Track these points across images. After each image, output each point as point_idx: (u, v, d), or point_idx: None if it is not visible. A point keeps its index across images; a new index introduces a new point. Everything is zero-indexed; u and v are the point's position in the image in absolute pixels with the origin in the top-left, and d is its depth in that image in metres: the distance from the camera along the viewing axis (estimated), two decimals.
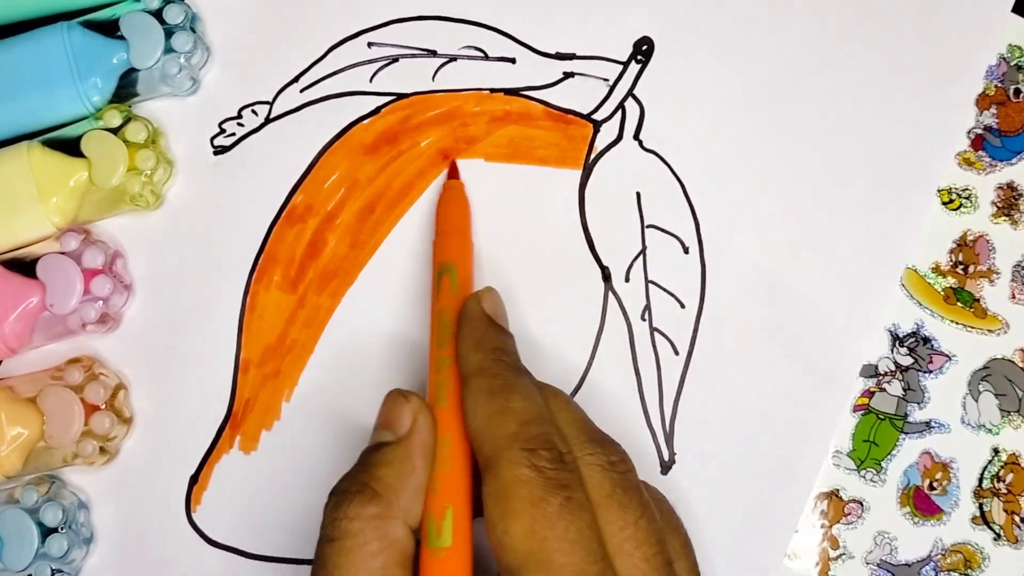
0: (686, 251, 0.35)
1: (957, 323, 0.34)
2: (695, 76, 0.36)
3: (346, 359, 0.35)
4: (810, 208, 0.35)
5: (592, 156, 0.35)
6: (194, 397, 0.35)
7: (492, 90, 0.36)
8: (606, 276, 0.35)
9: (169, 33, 0.35)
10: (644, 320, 0.35)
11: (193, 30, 0.36)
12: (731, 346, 0.34)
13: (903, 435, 0.34)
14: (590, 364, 0.34)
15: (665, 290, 0.35)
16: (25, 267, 0.35)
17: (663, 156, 0.35)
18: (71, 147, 0.35)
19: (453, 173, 0.35)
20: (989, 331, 0.34)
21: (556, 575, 0.23)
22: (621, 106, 0.36)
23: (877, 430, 0.34)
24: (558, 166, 0.35)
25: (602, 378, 0.34)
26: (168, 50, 0.35)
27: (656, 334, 0.34)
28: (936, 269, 0.34)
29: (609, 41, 0.36)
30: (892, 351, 0.34)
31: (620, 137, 0.36)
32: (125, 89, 0.36)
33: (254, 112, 0.37)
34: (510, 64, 0.36)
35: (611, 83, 0.36)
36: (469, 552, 0.26)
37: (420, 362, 0.35)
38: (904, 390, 0.34)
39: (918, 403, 0.34)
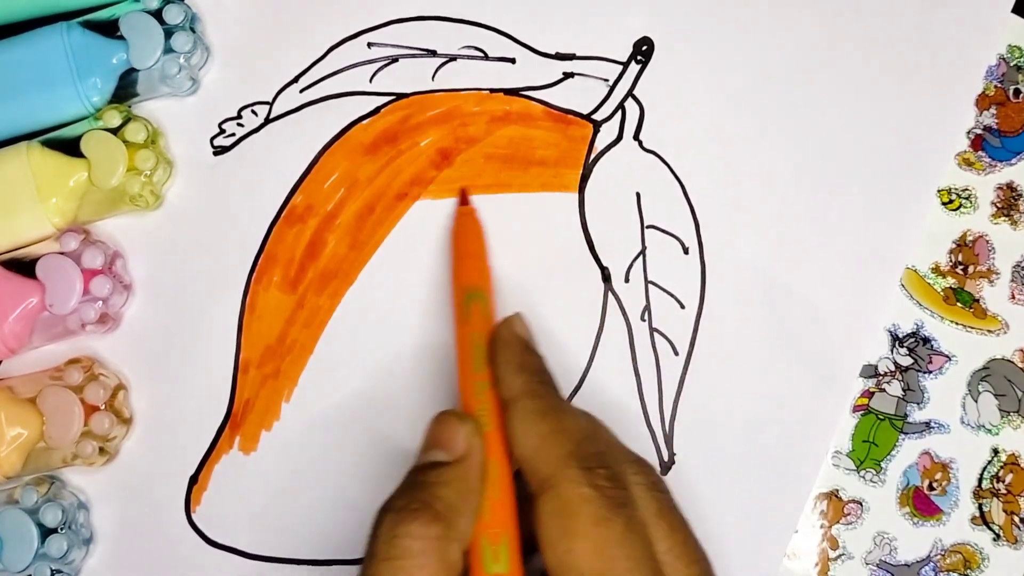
0: (686, 251, 0.35)
1: (957, 323, 0.34)
2: (695, 76, 0.36)
3: (346, 359, 0.35)
4: (810, 208, 0.35)
5: (592, 156, 0.35)
6: (194, 397, 0.35)
7: (492, 90, 0.36)
8: (606, 276, 0.35)
9: (169, 33, 0.35)
10: (644, 320, 0.35)
11: (193, 30, 0.36)
12: (731, 346, 0.34)
13: (903, 435, 0.34)
14: (590, 364, 0.34)
15: (665, 290, 0.35)
16: (25, 267, 0.35)
17: (663, 156, 0.35)
18: (71, 147, 0.35)
19: (464, 200, 0.35)
20: (989, 331, 0.34)
21: None
22: (621, 106, 0.36)
23: (877, 430, 0.34)
24: (558, 166, 0.35)
25: (602, 378, 0.34)
26: (168, 50, 0.35)
27: (656, 334, 0.34)
28: (936, 269, 0.34)
29: (609, 41, 0.36)
30: (892, 351, 0.34)
31: (620, 137, 0.35)
32: (125, 89, 0.36)
33: (254, 112, 0.37)
34: (510, 64, 0.36)
35: (611, 83, 0.36)
36: None
37: (420, 362, 0.35)
38: (904, 390, 0.34)
39: (918, 403, 0.34)
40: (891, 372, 0.34)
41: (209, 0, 0.37)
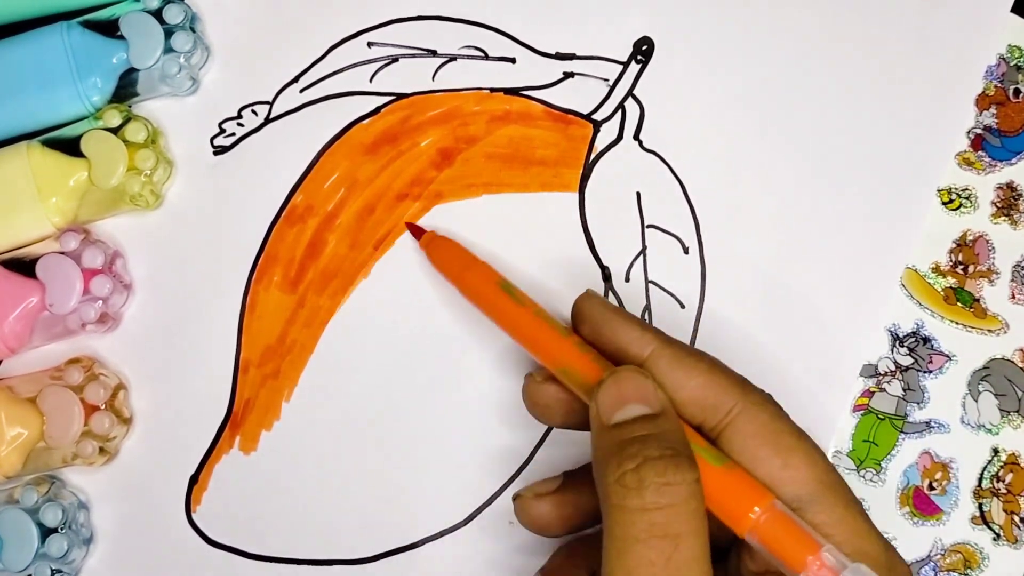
0: (686, 251, 0.35)
1: (957, 323, 0.34)
2: (695, 76, 0.36)
3: (346, 359, 0.35)
4: (810, 208, 0.35)
5: (592, 156, 0.35)
6: (194, 397, 0.35)
7: (492, 90, 0.36)
8: (606, 276, 0.35)
9: (169, 33, 0.35)
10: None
11: (193, 30, 0.36)
12: (731, 346, 0.34)
13: (903, 435, 0.34)
14: None
15: (665, 290, 0.35)
16: (25, 267, 0.35)
17: (663, 156, 0.35)
18: (71, 147, 0.35)
19: (417, 233, 0.34)
20: (989, 331, 0.34)
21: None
22: (621, 106, 0.36)
23: (877, 430, 0.34)
24: (558, 166, 0.35)
25: None
26: (168, 50, 0.35)
27: None
28: (936, 269, 0.34)
29: (609, 41, 0.36)
30: (892, 351, 0.34)
31: (620, 137, 0.35)
32: (125, 89, 0.36)
33: (254, 112, 0.37)
34: (510, 64, 0.36)
35: (611, 83, 0.36)
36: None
37: (421, 362, 0.35)
38: (904, 390, 0.34)
39: (918, 403, 0.34)
40: (891, 372, 0.34)
41: (209, 0, 0.37)
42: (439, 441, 0.34)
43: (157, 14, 0.35)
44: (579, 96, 0.36)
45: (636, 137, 0.35)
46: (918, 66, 0.35)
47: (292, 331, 0.35)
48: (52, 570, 0.34)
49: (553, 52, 0.36)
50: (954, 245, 0.35)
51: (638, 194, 0.35)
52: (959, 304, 0.34)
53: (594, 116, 0.36)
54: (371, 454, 0.35)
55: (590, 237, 0.35)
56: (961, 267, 0.34)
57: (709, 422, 0.26)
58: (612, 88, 0.36)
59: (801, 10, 0.36)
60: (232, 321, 0.36)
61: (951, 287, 0.34)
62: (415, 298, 0.35)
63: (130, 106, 0.36)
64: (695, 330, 0.34)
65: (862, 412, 0.34)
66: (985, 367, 0.34)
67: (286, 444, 0.35)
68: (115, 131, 0.35)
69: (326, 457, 0.35)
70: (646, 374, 0.26)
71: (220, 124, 0.37)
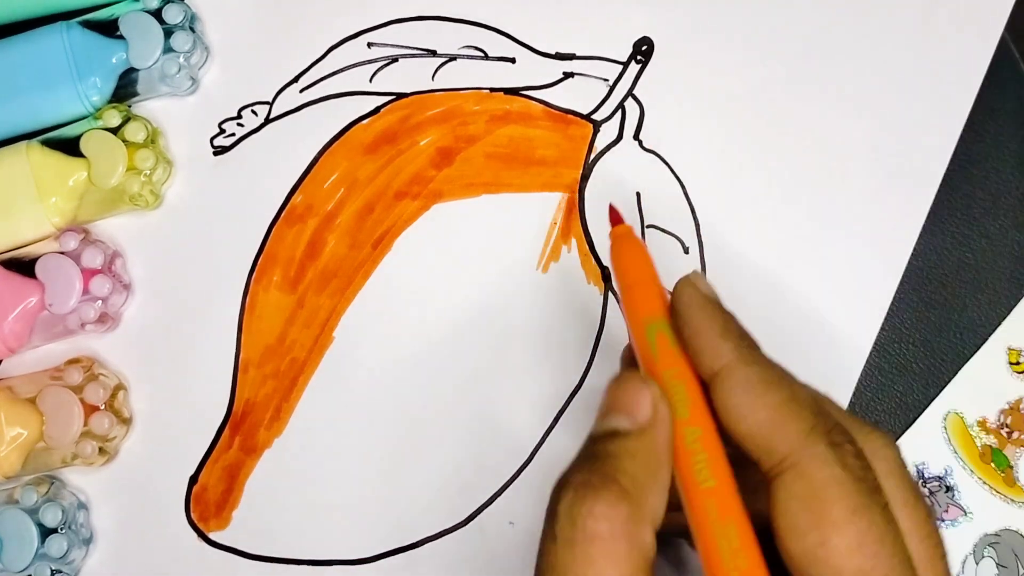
0: (686, 251, 0.35)
1: (984, 483, 0.34)
2: (695, 76, 0.36)
3: (347, 360, 0.35)
4: (810, 208, 0.35)
5: (592, 156, 0.35)
6: (194, 397, 0.35)
7: (492, 90, 0.36)
8: (606, 276, 0.35)
9: (168, 33, 0.35)
10: None
11: (192, 30, 0.36)
12: None
13: None
14: (590, 364, 0.34)
15: (665, 290, 0.35)
16: (24, 267, 0.35)
17: (663, 156, 0.35)
18: (70, 147, 0.35)
19: (616, 219, 0.28)
20: (1012, 500, 0.34)
21: None
22: (621, 106, 0.36)
23: None
24: (558, 166, 0.35)
25: (602, 379, 0.34)
26: (167, 50, 0.35)
27: None
28: (982, 424, 0.34)
29: (609, 41, 0.36)
30: None
31: (620, 137, 0.35)
32: (124, 89, 0.36)
33: (254, 112, 0.37)
34: (510, 64, 0.36)
35: (611, 83, 0.36)
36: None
37: (421, 363, 0.35)
38: None
39: None
40: None
41: (209, 0, 0.37)
42: (439, 441, 0.34)
43: (157, 14, 0.35)
44: (579, 96, 0.36)
45: (636, 137, 0.35)
46: (918, 66, 0.35)
47: (292, 331, 0.35)
48: (52, 570, 0.34)
49: (553, 52, 0.36)
50: (1007, 406, 0.34)
51: (638, 194, 0.35)
52: (992, 465, 0.34)
53: (594, 116, 0.36)
54: (371, 454, 0.34)
55: (590, 237, 0.35)
56: (1006, 430, 0.34)
57: (765, 464, 0.22)
58: (612, 88, 0.36)
59: (801, 10, 0.36)
60: (232, 321, 0.36)
61: (990, 446, 0.34)
62: (418, 299, 0.35)
63: (130, 106, 0.36)
64: None
65: None
66: (996, 534, 0.33)
67: (286, 444, 0.35)
68: (115, 131, 0.35)
69: (326, 457, 0.35)
70: (645, 384, 0.23)
71: (220, 124, 0.37)
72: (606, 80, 0.36)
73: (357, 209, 0.36)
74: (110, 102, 0.36)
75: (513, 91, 0.36)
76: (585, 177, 0.35)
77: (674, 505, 0.23)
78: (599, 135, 0.35)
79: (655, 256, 0.35)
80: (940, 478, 0.34)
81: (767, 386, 0.22)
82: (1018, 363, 0.34)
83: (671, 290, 0.25)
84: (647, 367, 0.25)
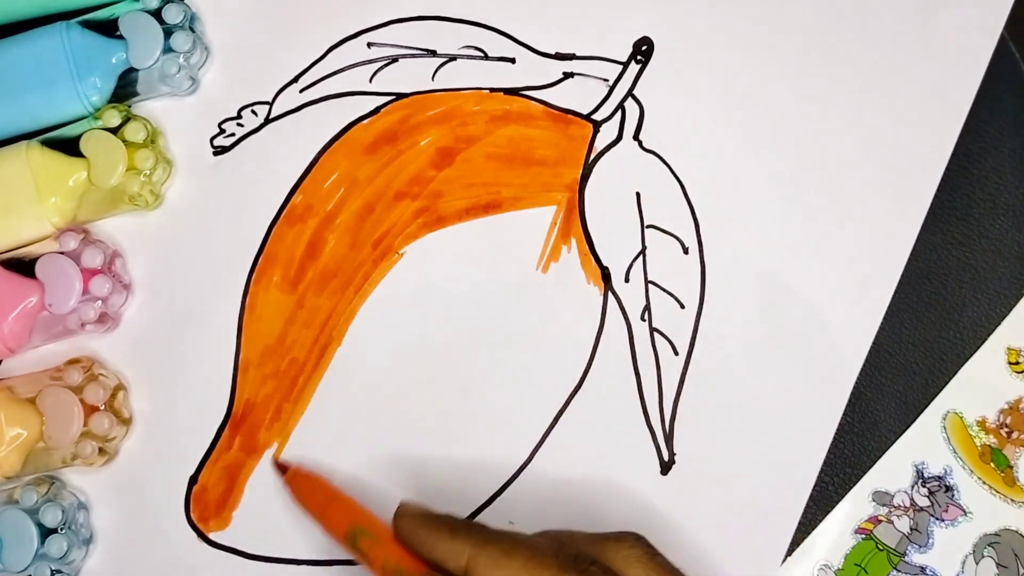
0: (686, 251, 0.35)
1: (984, 482, 0.34)
2: (695, 76, 0.36)
3: (347, 360, 0.35)
4: (810, 208, 0.35)
5: (592, 156, 0.35)
6: (194, 397, 0.35)
7: (492, 90, 0.36)
8: (606, 276, 0.35)
9: (168, 33, 0.35)
10: (644, 320, 0.35)
11: (192, 30, 0.36)
12: (731, 346, 0.34)
13: (895, 572, 0.33)
14: (590, 364, 0.34)
15: (665, 290, 0.35)
16: (24, 267, 0.35)
17: (663, 156, 0.35)
18: (70, 147, 0.35)
19: (283, 468, 0.34)
20: (1012, 500, 0.34)
21: None
22: (621, 106, 0.36)
23: (872, 559, 0.33)
24: (558, 166, 0.35)
25: (602, 378, 0.34)
26: (167, 50, 0.35)
27: (656, 334, 0.34)
28: (981, 424, 0.34)
29: (609, 41, 0.36)
30: (912, 488, 0.34)
31: (620, 137, 0.36)
32: (124, 89, 0.36)
33: (254, 112, 0.37)
34: (510, 64, 0.36)
35: (611, 83, 0.36)
36: None
37: (421, 363, 0.35)
38: (911, 529, 0.34)
39: (920, 546, 0.34)
40: (904, 507, 0.34)
41: (209, 0, 0.37)
42: (439, 441, 0.34)
43: (156, 14, 0.35)
44: (579, 96, 0.36)
45: (636, 137, 0.35)
46: (918, 66, 0.35)
47: (292, 331, 0.35)
48: (52, 570, 0.33)
49: (553, 52, 0.36)
50: (1006, 406, 0.34)
51: (638, 194, 0.35)
52: (992, 464, 0.34)
53: (594, 116, 0.36)
54: (370, 454, 0.34)
55: (590, 237, 0.35)
56: (1006, 430, 0.34)
57: None
58: (612, 88, 0.36)
59: (801, 10, 0.36)
60: (232, 321, 0.36)
61: (989, 445, 0.34)
62: (416, 299, 0.35)
63: (129, 106, 0.36)
64: (695, 330, 0.34)
65: (863, 536, 0.34)
66: (996, 534, 0.33)
67: (286, 444, 0.35)
68: (114, 131, 0.35)
69: (326, 457, 0.35)
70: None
71: (220, 124, 0.37)
72: (606, 80, 0.36)
73: (357, 209, 0.36)
74: (110, 102, 0.36)
75: (513, 91, 0.36)
76: (585, 177, 0.35)
77: None
78: (599, 135, 0.36)
79: (654, 256, 0.35)
80: (940, 478, 0.34)
81: (509, 556, 0.26)
82: (1018, 363, 0.34)
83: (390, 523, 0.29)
84: (367, 565, 0.29)
